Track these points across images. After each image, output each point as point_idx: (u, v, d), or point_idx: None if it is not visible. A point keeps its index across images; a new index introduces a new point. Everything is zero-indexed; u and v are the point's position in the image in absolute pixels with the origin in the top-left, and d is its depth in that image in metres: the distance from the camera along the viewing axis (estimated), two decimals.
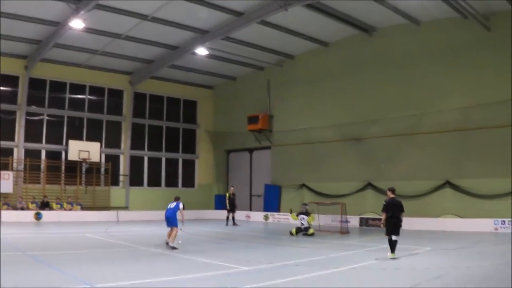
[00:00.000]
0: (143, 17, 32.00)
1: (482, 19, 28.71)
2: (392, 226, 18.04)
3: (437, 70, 32.00)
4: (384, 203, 18.59)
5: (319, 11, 31.12)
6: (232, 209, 35.59)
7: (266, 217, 39.58)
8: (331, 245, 22.73)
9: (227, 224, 34.85)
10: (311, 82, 39.56)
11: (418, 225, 29.86)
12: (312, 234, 26.88)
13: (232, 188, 37.29)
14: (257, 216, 40.77)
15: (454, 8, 28.25)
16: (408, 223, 30.16)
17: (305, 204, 29.12)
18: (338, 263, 16.39)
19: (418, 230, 29.09)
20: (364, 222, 33.58)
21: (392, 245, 17.83)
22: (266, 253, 19.77)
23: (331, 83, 37.99)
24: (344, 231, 28.82)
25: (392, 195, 18.69)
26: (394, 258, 17.51)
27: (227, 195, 36.41)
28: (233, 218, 35.31)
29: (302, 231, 27.20)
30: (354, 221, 33.26)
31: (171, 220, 21.16)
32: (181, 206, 21.26)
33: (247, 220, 41.02)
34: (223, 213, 37.76)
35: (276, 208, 40.38)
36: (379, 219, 32.02)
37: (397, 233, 17.93)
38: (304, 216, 27.48)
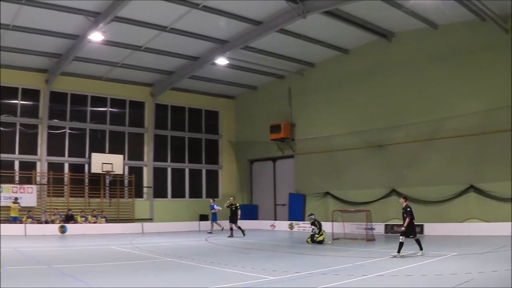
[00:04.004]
0: (162, 28, 32.08)
1: (500, 21, 28.35)
2: (415, 229, 20.71)
3: (456, 73, 31.68)
4: (409, 208, 20.54)
5: (338, 17, 30.94)
6: (232, 220, 34.28)
7: (291, 226, 39.37)
8: (357, 252, 22.49)
9: (231, 235, 33.16)
10: (332, 89, 39.41)
11: (443, 231, 29.69)
12: (321, 241, 27.10)
13: (232, 198, 36.19)
14: (282, 225, 40.61)
15: (471, 11, 27.91)
16: (432, 228, 30.38)
17: (311, 215, 29.11)
18: (365, 270, 16.19)
19: (442, 235, 28.91)
20: (389, 229, 33.27)
21: (419, 243, 20.40)
22: (292, 262, 19.58)
23: (352, 90, 37.83)
24: (369, 239, 28.60)
25: (406, 202, 21.03)
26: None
27: (229, 205, 34.98)
28: (231, 229, 33.77)
29: (314, 238, 27.46)
30: (379, 228, 32.99)
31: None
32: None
33: (272, 229, 40.87)
34: (246, 223, 37.63)
35: (301, 217, 40.08)
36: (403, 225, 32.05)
37: None
38: (313, 227, 27.74)
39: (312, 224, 27.83)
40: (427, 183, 32.04)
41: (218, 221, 37.42)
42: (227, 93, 48.75)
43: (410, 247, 20.59)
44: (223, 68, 39.15)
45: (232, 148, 49.04)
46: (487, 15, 27.45)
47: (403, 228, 20.27)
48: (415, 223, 20.65)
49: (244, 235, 33.25)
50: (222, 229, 37.15)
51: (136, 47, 35.03)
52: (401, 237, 20.14)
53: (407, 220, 20.26)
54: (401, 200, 21.21)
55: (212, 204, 37.83)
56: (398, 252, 19.91)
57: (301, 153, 41.95)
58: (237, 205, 34.92)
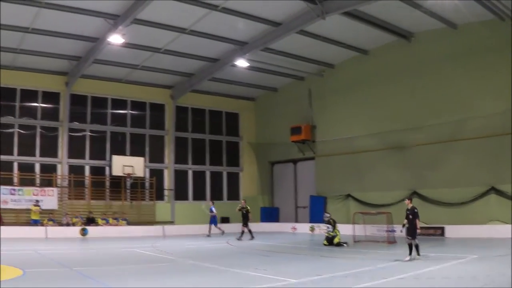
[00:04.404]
0: (181, 30, 32.16)
1: None
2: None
3: (476, 73, 31.35)
4: (416, 210, 20.54)
5: (357, 18, 30.74)
6: (245, 223, 33.82)
7: (312, 229, 39.17)
8: (378, 255, 22.32)
9: (240, 238, 32.83)
10: (352, 91, 39.14)
11: (464, 233, 29.40)
12: (338, 243, 27.03)
13: (243, 201, 35.58)
14: (303, 227, 40.41)
15: (490, 10, 27.62)
16: (454, 230, 29.96)
17: (327, 213, 29.69)
18: (386, 273, 16.05)
19: (464, 237, 28.65)
20: None
21: (411, 248, 19.90)
22: (313, 265, 19.49)
23: (372, 91, 37.57)
24: (390, 241, 28.33)
25: (411, 204, 20.97)
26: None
27: (240, 208, 34.55)
28: (249, 231, 33.40)
29: (330, 240, 27.47)
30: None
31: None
32: None
33: (293, 232, 40.72)
34: (267, 226, 37.41)
35: (322, 220, 39.82)
36: (425, 228, 31.73)
37: None
38: (329, 225, 27.97)
39: (327, 222, 28.10)
40: (448, 184, 31.79)
41: (211, 225, 37.17)
42: (247, 95, 48.65)
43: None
44: (243, 70, 39.09)
45: (253, 150, 48.86)
46: (506, 14, 27.17)
47: (418, 231, 20.13)
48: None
49: (241, 238, 32.76)
50: (208, 235, 36.52)
51: (156, 49, 35.12)
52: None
53: (418, 222, 20.13)
54: (407, 201, 21.12)
55: (211, 207, 37.65)
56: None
57: (322, 155, 41.76)
58: (248, 208, 34.37)
